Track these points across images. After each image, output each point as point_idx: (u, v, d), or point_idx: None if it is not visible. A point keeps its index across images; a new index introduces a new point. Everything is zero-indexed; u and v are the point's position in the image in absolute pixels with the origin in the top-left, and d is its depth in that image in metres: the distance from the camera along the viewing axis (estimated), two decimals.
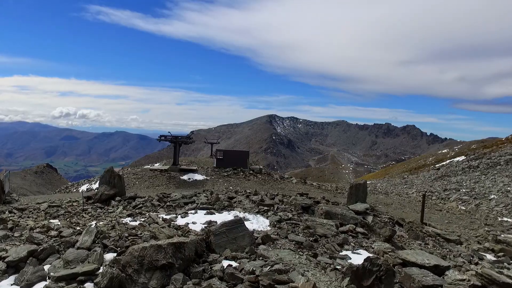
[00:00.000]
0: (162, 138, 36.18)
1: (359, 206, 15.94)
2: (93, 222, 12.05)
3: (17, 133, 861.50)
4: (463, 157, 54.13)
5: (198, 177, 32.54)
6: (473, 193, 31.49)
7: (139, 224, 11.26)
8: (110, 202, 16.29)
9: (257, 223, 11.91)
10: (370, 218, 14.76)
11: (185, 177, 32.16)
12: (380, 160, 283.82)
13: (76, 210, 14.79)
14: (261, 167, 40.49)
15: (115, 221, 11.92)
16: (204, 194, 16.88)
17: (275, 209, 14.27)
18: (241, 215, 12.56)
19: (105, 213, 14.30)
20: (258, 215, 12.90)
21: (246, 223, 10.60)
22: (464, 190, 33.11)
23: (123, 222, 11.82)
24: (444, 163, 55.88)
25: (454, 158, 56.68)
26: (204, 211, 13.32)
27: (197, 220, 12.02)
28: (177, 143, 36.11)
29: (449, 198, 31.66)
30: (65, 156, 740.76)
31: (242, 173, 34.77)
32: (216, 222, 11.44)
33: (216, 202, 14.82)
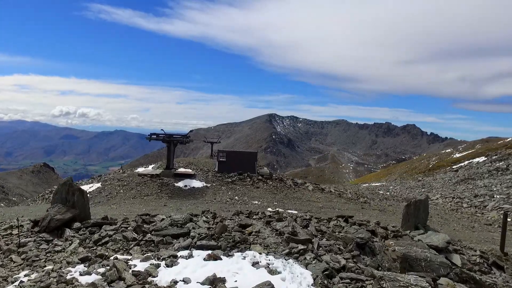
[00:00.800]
0: (153, 137, 30.18)
1: (436, 238, 11.00)
2: (21, 274, 7.96)
3: (16, 132, 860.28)
4: (483, 158, 51.28)
5: (197, 183, 27.71)
6: (511, 200, 27.52)
7: (92, 284, 6.89)
8: (63, 231, 10.86)
9: (292, 279, 7.33)
10: (457, 259, 10.13)
11: (180, 183, 27.21)
12: (380, 160, 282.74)
13: (9, 246, 9.73)
14: (271, 171, 34.87)
15: (56, 274, 7.53)
16: (204, 218, 11.80)
17: (316, 247, 9.33)
18: (264, 260, 8.20)
19: (50, 253, 9.34)
20: (291, 261, 8.27)
21: (273, 278, 7.14)
22: (498, 197, 29.13)
23: (70, 276, 7.39)
24: (463, 164, 54.00)
25: (473, 158, 54.62)
26: (204, 253, 8.54)
27: (191, 275, 7.30)
28: (172, 142, 29.98)
29: (485, 207, 27.21)
30: (65, 155, 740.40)
31: (249, 179, 29.54)
32: (224, 279, 7.13)
33: (222, 233, 10.05)
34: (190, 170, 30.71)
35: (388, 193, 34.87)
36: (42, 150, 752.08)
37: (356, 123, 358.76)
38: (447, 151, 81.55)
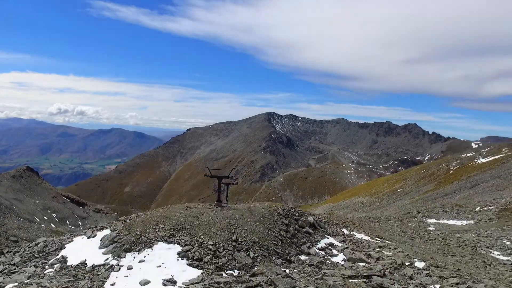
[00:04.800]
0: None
1: None
2: None
3: (12, 130, 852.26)
4: None
5: None
6: None
7: None
8: None
9: None
10: None
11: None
12: (381, 160, 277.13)
13: None
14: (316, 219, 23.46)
15: None
16: None
17: None
18: None
19: None
20: None
21: None
22: None
23: None
24: (494, 171, 47.25)
25: (503, 163, 47.53)
26: None
27: None
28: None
29: None
30: (61, 153, 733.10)
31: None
32: None
33: None
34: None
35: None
36: (38, 148, 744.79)
37: (356, 122, 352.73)
38: (468, 155, 75.06)
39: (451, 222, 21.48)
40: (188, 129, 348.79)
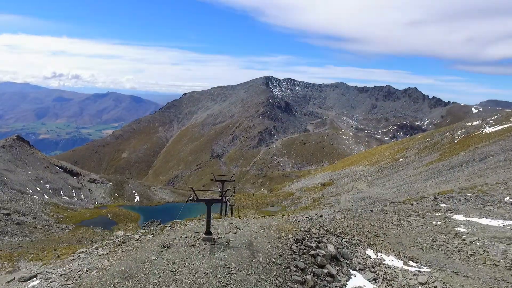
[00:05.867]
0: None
1: None
2: None
3: (6, 94, 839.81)
4: None
5: None
6: None
7: None
8: None
9: None
10: None
11: None
12: (380, 125, 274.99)
13: None
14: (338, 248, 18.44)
15: None
16: None
17: None
18: None
19: None
20: None
21: None
22: None
23: None
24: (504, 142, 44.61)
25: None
26: None
27: None
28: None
29: None
30: (57, 118, 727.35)
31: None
32: None
33: None
34: None
35: None
36: (33, 112, 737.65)
37: (356, 86, 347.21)
38: (474, 123, 72.19)
39: (483, 221, 18.09)
40: (185, 94, 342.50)
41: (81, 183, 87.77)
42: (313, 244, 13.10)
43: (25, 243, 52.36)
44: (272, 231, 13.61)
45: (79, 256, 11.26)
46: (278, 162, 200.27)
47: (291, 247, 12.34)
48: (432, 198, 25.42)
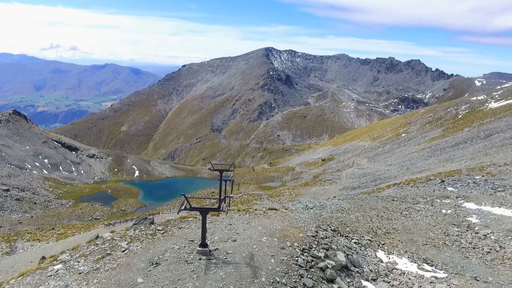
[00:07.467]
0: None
1: None
2: None
3: (2, 66, 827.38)
4: None
5: None
6: None
7: None
8: None
9: None
10: None
11: None
12: (381, 98, 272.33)
13: None
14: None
15: None
16: None
17: None
18: None
19: None
20: None
21: None
22: None
23: None
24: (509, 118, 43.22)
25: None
26: None
27: None
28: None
29: None
30: (55, 90, 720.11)
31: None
32: None
33: None
34: None
35: None
36: (31, 84, 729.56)
37: (358, 58, 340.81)
38: (478, 98, 70.64)
39: (497, 210, 17.41)
40: (184, 65, 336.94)
41: (80, 158, 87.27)
42: (321, 254, 12.01)
43: (25, 219, 52.41)
44: (275, 239, 12.43)
45: (57, 272, 10.21)
46: (278, 135, 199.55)
47: (297, 260, 11.14)
48: (439, 181, 24.68)
